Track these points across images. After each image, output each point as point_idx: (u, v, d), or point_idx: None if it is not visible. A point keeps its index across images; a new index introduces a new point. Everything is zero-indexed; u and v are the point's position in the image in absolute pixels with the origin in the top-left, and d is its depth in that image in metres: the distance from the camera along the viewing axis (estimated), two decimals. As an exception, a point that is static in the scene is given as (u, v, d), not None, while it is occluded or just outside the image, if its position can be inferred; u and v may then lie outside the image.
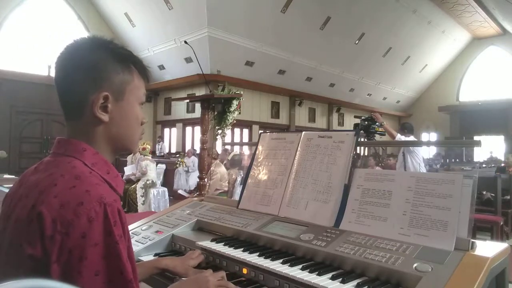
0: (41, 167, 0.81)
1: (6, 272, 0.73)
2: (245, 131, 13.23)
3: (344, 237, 1.19)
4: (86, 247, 0.67)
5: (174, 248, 1.50)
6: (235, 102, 8.14)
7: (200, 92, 11.09)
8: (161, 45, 11.70)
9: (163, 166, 9.10)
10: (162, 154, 12.09)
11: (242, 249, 1.28)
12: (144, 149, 7.11)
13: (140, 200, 6.75)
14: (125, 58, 0.87)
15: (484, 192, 5.24)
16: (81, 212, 0.69)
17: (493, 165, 10.68)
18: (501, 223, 4.83)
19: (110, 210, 0.71)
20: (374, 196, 1.25)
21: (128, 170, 7.42)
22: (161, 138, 13.08)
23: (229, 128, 8.99)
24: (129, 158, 7.88)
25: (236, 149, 8.29)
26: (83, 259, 0.67)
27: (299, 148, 1.54)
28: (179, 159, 9.38)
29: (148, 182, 6.87)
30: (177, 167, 9.04)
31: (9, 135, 10.91)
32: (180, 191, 8.38)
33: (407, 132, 5.40)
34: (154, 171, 7.25)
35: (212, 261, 1.32)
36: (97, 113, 0.82)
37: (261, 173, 1.62)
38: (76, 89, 0.82)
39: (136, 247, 1.43)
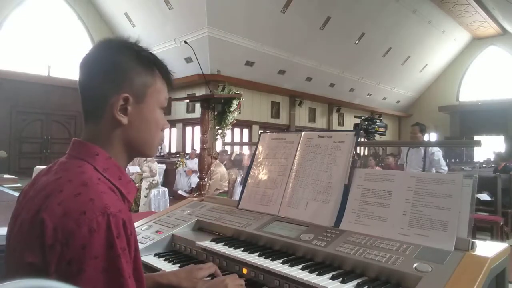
0: (54, 167, 0.80)
1: (7, 275, 0.72)
2: (245, 131, 13.23)
3: (344, 237, 1.19)
4: (85, 260, 0.64)
5: (174, 248, 1.50)
6: (235, 102, 8.17)
7: (200, 92, 11.09)
8: (161, 45, 11.69)
9: (163, 166, 9.11)
10: (162, 154, 12.10)
11: (242, 249, 1.28)
12: None
13: (142, 200, 6.77)
14: (149, 61, 0.85)
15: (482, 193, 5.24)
16: (82, 222, 0.66)
17: (493, 165, 10.69)
18: (501, 223, 4.83)
19: (113, 221, 0.68)
20: (374, 196, 1.25)
21: (132, 170, 7.49)
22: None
23: (229, 128, 9.02)
24: None
25: (236, 149, 8.30)
26: (81, 272, 0.64)
27: (299, 148, 1.54)
28: (179, 159, 9.38)
29: (154, 182, 6.89)
30: (177, 167, 9.04)
31: (9, 135, 10.92)
32: (180, 191, 8.38)
33: (423, 134, 5.03)
34: (157, 171, 7.32)
35: (212, 261, 1.32)
36: (116, 115, 0.80)
37: (261, 173, 1.61)
38: (97, 90, 0.81)
39: (136, 247, 1.43)
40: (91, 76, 0.82)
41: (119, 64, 0.82)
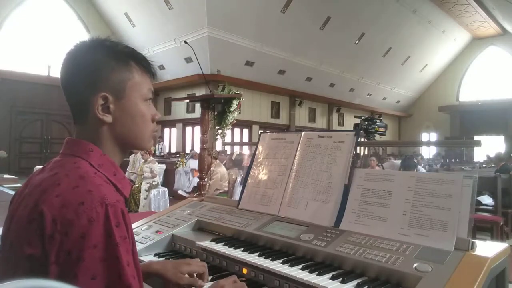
0: (48, 166, 0.81)
1: (5, 272, 0.72)
2: (245, 131, 13.23)
3: (344, 237, 1.19)
4: (85, 249, 0.66)
5: (174, 248, 1.50)
6: (235, 102, 8.15)
7: (200, 92, 11.09)
8: (161, 45, 11.70)
9: (163, 166, 9.09)
10: (162, 154, 12.10)
11: (242, 249, 1.28)
12: (151, 152, 7.19)
13: (142, 201, 6.78)
14: (123, 55, 0.84)
15: (485, 194, 5.25)
16: (81, 212, 0.67)
17: (492, 165, 10.69)
18: (501, 223, 4.83)
19: (112, 211, 0.70)
20: (374, 196, 1.25)
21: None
22: (161, 138, 13.09)
23: (229, 128, 9.01)
24: (131, 158, 7.91)
25: (236, 149, 8.30)
26: (81, 261, 0.65)
27: (299, 148, 1.54)
28: (179, 159, 9.38)
29: (154, 183, 6.90)
30: (177, 167, 9.04)
31: (9, 135, 10.92)
32: (180, 191, 8.38)
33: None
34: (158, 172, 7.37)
35: (212, 261, 1.32)
36: (99, 115, 0.80)
37: (261, 173, 1.61)
38: (76, 93, 0.82)
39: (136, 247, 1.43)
40: (69, 79, 0.83)
41: (93, 64, 0.81)
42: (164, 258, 1.39)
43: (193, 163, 9.06)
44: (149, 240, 1.49)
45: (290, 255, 1.22)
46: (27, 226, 0.70)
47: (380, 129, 4.59)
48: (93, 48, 0.83)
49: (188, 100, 12.16)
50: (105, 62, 0.81)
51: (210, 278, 1.16)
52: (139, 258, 1.37)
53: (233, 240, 1.39)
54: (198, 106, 9.01)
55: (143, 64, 0.87)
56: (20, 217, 0.73)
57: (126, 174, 7.69)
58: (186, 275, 1.06)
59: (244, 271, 1.20)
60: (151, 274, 1.07)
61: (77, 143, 0.82)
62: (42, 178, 0.76)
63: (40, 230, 0.67)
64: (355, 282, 1.00)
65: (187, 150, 12.19)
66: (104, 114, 0.81)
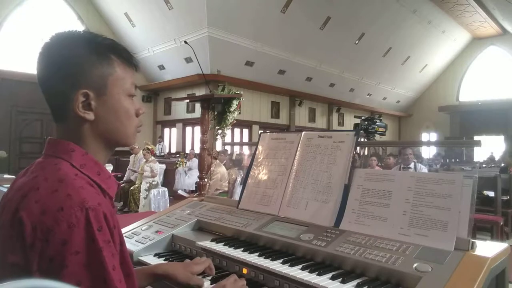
0: (31, 168, 0.78)
1: None
2: (245, 131, 13.22)
3: (344, 237, 1.19)
4: (67, 255, 0.64)
5: (174, 248, 1.50)
6: (235, 102, 8.14)
7: (200, 92, 11.09)
8: (161, 45, 11.69)
9: (163, 166, 9.09)
10: (162, 154, 12.09)
11: (242, 249, 1.28)
12: (152, 152, 7.21)
13: (142, 201, 6.78)
14: (103, 49, 0.79)
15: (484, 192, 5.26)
16: (61, 218, 0.65)
17: (493, 165, 10.68)
18: (501, 223, 4.83)
19: (93, 215, 0.67)
20: (374, 196, 1.25)
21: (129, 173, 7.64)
22: (161, 138, 13.10)
23: (229, 128, 9.01)
24: (131, 158, 7.92)
25: (236, 149, 8.29)
26: (64, 268, 0.64)
27: (299, 148, 1.54)
28: (179, 159, 9.38)
29: (153, 183, 6.91)
30: (177, 167, 9.04)
31: (9, 135, 10.91)
32: (180, 191, 8.38)
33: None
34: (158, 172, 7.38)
35: (212, 261, 1.32)
36: (80, 113, 0.77)
37: (261, 173, 1.61)
38: (55, 90, 0.78)
39: (136, 247, 1.43)
40: (46, 75, 0.79)
41: (71, 59, 0.76)
42: (164, 258, 1.39)
43: (188, 163, 9.07)
44: (149, 240, 1.49)
45: (290, 255, 1.22)
46: (8, 233, 0.69)
47: (380, 129, 4.60)
48: (71, 41, 0.78)
49: (188, 100, 12.15)
50: (84, 56, 0.77)
51: (210, 277, 1.16)
52: (139, 258, 1.38)
53: (233, 240, 1.40)
54: (198, 106, 9.01)
55: (125, 56, 0.83)
56: (4, 222, 0.71)
57: (127, 172, 7.70)
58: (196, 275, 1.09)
59: (244, 271, 1.20)
60: (159, 275, 1.06)
61: (58, 143, 0.79)
62: (23, 182, 0.74)
63: (20, 238, 0.66)
64: (355, 282, 1.00)
65: (187, 150, 12.19)
66: (85, 112, 0.77)
